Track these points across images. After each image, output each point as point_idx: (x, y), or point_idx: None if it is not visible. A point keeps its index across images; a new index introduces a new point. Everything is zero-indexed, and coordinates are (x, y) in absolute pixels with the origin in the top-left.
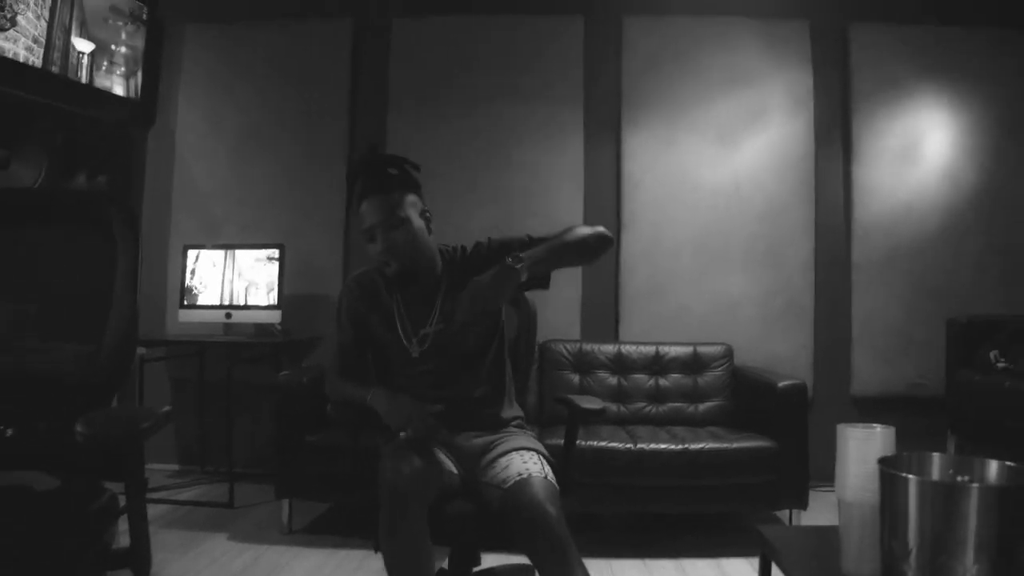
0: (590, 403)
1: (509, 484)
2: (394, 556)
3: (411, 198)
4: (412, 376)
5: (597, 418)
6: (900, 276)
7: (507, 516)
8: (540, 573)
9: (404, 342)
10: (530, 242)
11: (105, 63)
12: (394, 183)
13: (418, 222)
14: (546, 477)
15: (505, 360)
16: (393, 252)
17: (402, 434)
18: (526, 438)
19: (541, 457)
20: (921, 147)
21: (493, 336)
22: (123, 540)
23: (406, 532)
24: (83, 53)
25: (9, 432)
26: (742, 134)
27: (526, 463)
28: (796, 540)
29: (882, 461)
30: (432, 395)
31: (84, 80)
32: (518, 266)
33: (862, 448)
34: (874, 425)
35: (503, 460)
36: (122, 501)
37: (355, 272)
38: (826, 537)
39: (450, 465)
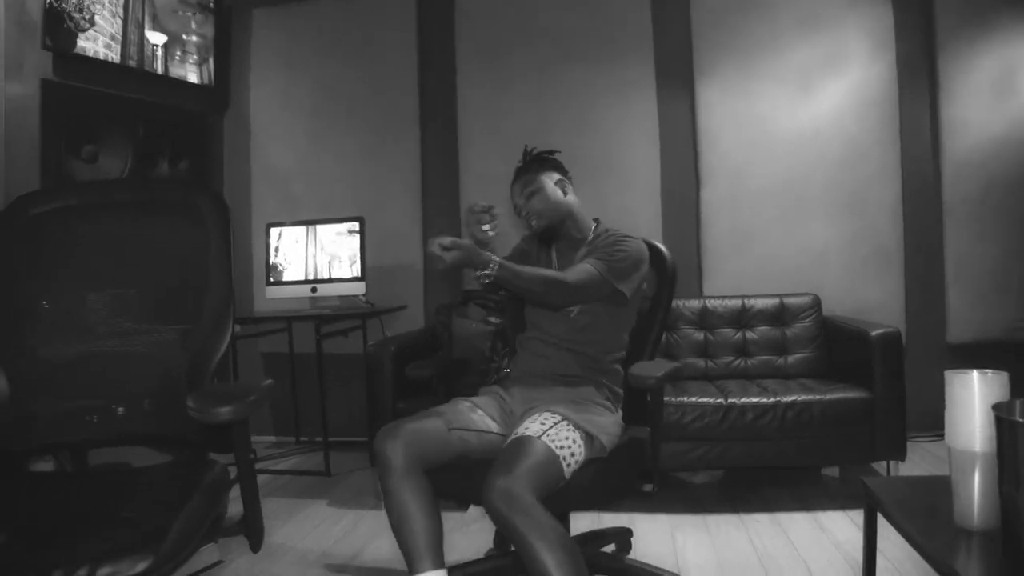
0: (662, 368)
1: (508, 442)
2: (389, 518)
3: (546, 174)
4: (554, 319)
5: (661, 384)
6: (995, 214)
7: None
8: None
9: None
10: (613, 261)
11: (178, 53)
12: (531, 167)
13: (552, 188)
14: (541, 438)
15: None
16: (533, 213)
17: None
18: (577, 406)
19: (570, 426)
20: (1015, 79)
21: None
22: (233, 509)
23: (391, 497)
24: (157, 45)
25: (121, 410)
26: (820, 79)
27: (542, 424)
28: (903, 491)
29: (997, 407)
30: (567, 339)
31: (160, 71)
32: (489, 271)
33: (974, 394)
34: (985, 370)
35: (528, 418)
36: (231, 473)
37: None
38: (935, 487)
39: (492, 426)
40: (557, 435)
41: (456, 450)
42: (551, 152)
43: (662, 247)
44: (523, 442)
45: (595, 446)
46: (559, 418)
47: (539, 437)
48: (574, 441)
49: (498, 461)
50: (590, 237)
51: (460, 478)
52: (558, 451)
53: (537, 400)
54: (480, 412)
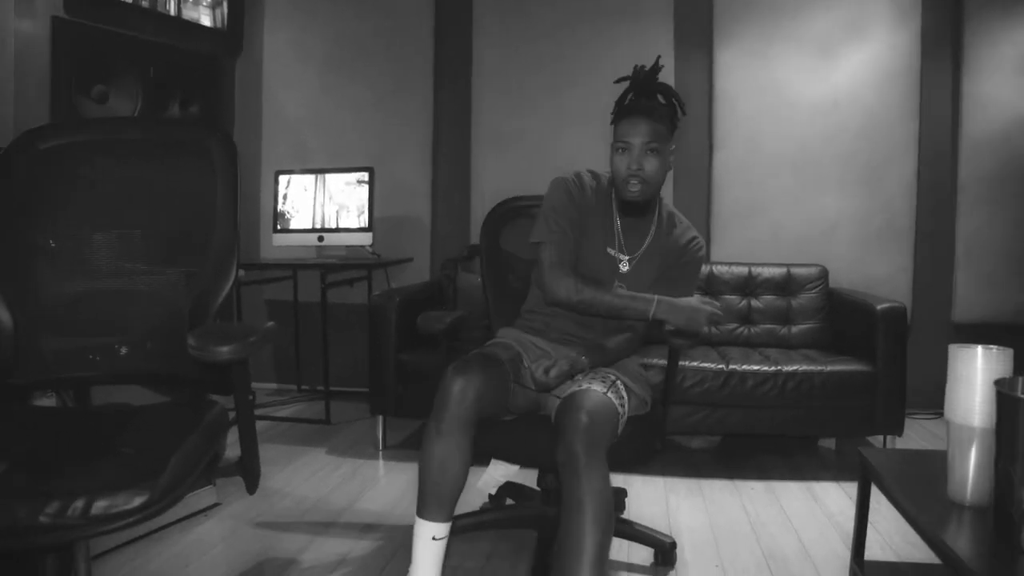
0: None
1: (565, 394)
2: (423, 461)
3: (671, 137)
4: None
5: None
6: (1010, 196)
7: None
8: (560, 481)
9: (616, 254)
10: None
11: None
12: (666, 116)
13: (668, 161)
14: (606, 394)
15: None
16: (642, 174)
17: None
18: (622, 366)
19: (621, 384)
20: None
21: None
22: (230, 452)
23: (442, 438)
24: None
25: (123, 351)
26: (842, 46)
27: (603, 381)
28: (899, 464)
29: (999, 383)
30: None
31: (172, 13)
32: (587, 368)
33: (976, 369)
34: (990, 346)
35: (586, 375)
36: (229, 415)
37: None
38: (931, 461)
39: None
40: (615, 394)
41: (505, 405)
42: (682, 106)
43: None
44: (593, 398)
45: (635, 407)
46: (614, 378)
47: (605, 393)
48: (627, 400)
49: (572, 413)
50: (656, 223)
51: (520, 434)
52: (619, 409)
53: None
54: (525, 367)
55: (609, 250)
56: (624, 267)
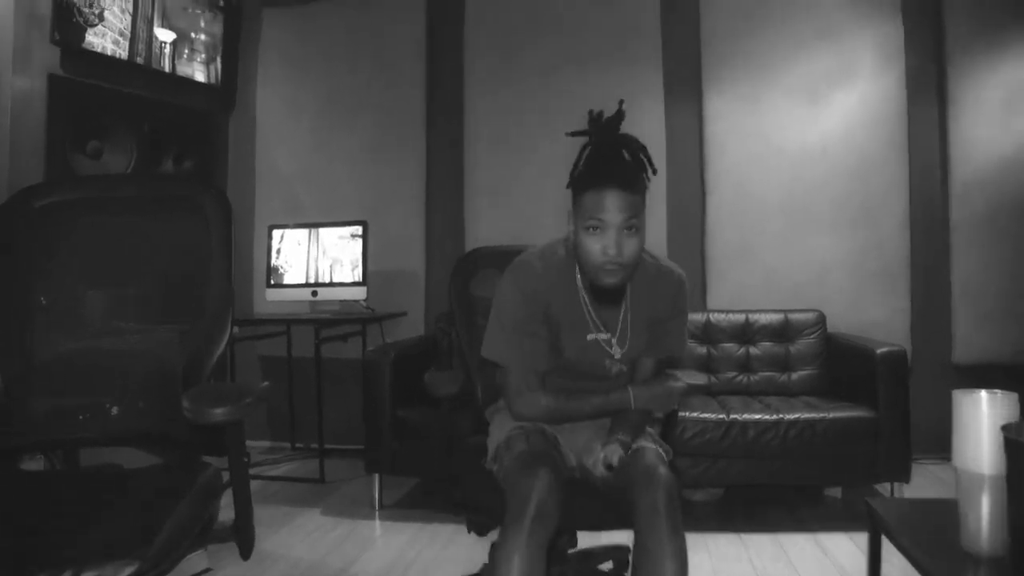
0: (694, 378)
1: (636, 454)
2: (502, 560)
3: (643, 199)
4: (594, 375)
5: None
6: (1003, 236)
7: (618, 485)
8: (639, 537)
9: (599, 337)
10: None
11: (186, 51)
12: (639, 183)
13: (644, 234)
14: (658, 449)
15: None
16: (621, 259)
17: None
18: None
19: (652, 438)
20: None
21: None
22: (223, 515)
23: (529, 558)
24: (165, 43)
25: (115, 411)
26: (829, 91)
27: (644, 441)
28: (909, 513)
29: (1006, 428)
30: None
31: (167, 69)
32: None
33: (983, 415)
34: (995, 390)
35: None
36: (223, 477)
37: (522, 254)
38: (941, 510)
39: (570, 458)
40: (660, 447)
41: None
42: (650, 160)
43: None
44: (652, 455)
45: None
46: (649, 438)
47: (656, 449)
48: (665, 452)
49: (644, 476)
50: (629, 287)
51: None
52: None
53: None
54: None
55: (590, 336)
56: (616, 351)
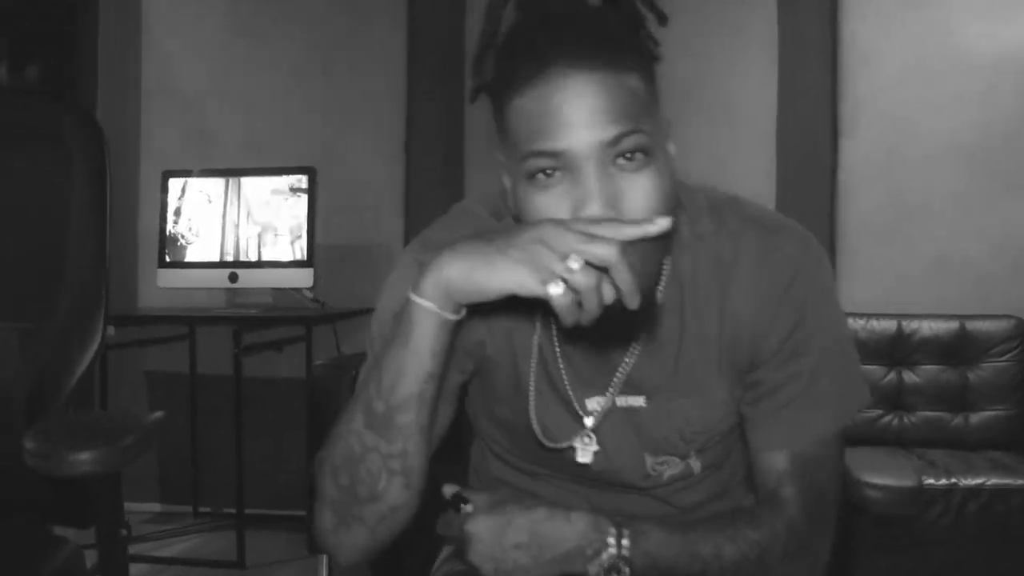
0: None
1: None
2: None
3: (652, 89)
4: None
5: None
6: None
7: None
8: None
9: (574, 406)
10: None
11: None
12: (634, 47)
13: (669, 163)
14: None
15: None
16: (628, 270)
17: None
18: None
19: None
20: None
21: None
22: None
23: None
24: None
25: None
26: None
27: None
28: None
29: None
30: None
31: None
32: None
33: None
34: None
35: None
36: (90, 558)
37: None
38: None
39: None
40: None
41: None
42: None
43: None
44: None
45: None
46: None
47: None
48: None
49: None
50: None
51: None
52: None
53: None
54: None
55: (598, 400)
56: (589, 420)
